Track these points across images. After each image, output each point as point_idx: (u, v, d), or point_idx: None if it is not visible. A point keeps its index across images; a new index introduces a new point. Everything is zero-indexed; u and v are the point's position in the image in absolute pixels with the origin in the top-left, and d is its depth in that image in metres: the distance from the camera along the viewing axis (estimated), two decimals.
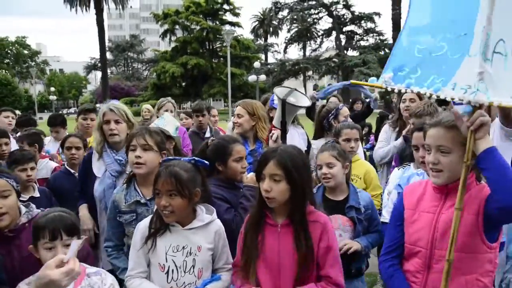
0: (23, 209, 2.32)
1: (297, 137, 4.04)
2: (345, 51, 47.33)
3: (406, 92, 4.23)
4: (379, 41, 45.26)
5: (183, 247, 2.18)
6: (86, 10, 42.24)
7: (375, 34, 47.05)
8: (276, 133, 3.14)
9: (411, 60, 1.98)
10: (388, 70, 2.03)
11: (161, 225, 2.17)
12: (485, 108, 1.84)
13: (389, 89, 2.02)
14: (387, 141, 4.24)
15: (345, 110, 4.18)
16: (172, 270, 2.16)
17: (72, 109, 67.56)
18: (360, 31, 48.43)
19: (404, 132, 3.95)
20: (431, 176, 2.00)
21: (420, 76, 1.93)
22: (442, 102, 4.14)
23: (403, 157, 3.84)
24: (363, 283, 2.88)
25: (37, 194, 3.42)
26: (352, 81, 2.55)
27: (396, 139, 4.15)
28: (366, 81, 2.24)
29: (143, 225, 2.23)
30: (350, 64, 41.01)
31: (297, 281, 2.00)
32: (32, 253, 2.02)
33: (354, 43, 48.45)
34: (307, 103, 3.28)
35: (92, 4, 41.21)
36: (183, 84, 49.00)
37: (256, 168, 2.10)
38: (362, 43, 47.93)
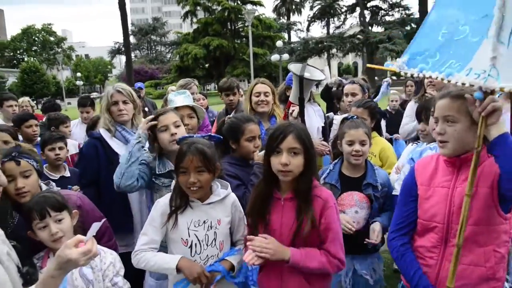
0: (44, 187, 2.43)
1: (313, 114, 4.01)
2: (370, 27, 46.28)
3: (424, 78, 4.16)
4: (405, 15, 44.00)
5: (204, 222, 2.23)
6: None
7: (401, 9, 45.74)
8: (296, 109, 3.12)
9: (433, 45, 1.94)
10: (406, 54, 2.02)
11: (182, 202, 2.21)
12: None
13: (402, 73, 2.00)
14: (412, 117, 4.16)
15: (348, 87, 4.07)
16: (195, 244, 2.21)
17: (96, 93, 68.80)
18: (385, 5, 47.17)
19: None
20: (440, 150, 2.00)
21: (438, 60, 1.90)
22: None
23: None
24: (379, 259, 2.87)
25: (67, 174, 3.53)
26: (368, 65, 2.51)
27: None
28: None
29: (163, 202, 2.27)
30: (374, 41, 40.06)
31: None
32: None
33: (379, 19, 47.27)
34: (322, 76, 3.25)
35: None
36: (206, 65, 49.12)
37: (270, 142, 2.08)
38: (387, 18, 46.73)
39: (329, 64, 50.54)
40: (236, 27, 49.56)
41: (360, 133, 2.73)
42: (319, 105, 4.28)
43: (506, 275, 2.04)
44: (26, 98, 6.19)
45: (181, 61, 47.76)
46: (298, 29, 65.11)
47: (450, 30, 1.91)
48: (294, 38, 61.07)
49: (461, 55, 1.83)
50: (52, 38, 77.04)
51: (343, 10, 51.15)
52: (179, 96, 3.33)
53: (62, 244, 1.55)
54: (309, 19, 52.89)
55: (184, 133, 2.71)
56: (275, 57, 36.05)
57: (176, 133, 2.67)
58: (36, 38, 76.05)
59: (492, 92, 1.74)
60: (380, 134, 3.56)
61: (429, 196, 2.03)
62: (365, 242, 2.63)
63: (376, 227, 2.65)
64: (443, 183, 2.00)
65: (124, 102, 3.23)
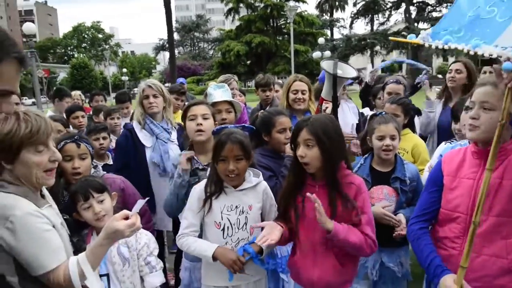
0: (92, 170, 2.66)
1: (347, 110, 4.07)
2: (416, 24, 45.05)
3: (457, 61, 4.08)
4: None
5: (236, 207, 2.37)
6: None
7: (449, 4, 44.23)
8: (329, 106, 3.20)
9: (459, 23, 1.94)
10: (432, 29, 2.02)
11: (217, 188, 2.36)
12: None
13: (426, 45, 1.99)
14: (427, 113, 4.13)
15: (393, 87, 4.04)
16: (228, 227, 2.36)
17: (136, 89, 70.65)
18: (432, 1, 45.77)
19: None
20: (468, 132, 1.98)
21: (463, 36, 1.89)
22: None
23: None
24: (406, 252, 2.89)
25: (110, 162, 3.79)
26: (391, 37, 2.54)
27: (442, 109, 4.05)
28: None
29: (199, 189, 2.43)
30: None
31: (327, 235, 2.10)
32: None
33: (425, 15, 45.92)
34: (354, 73, 3.29)
35: None
36: (248, 62, 49.37)
37: (291, 136, 2.24)
38: (434, 14, 45.29)
39: (372, 62, 49.61)
40: (278, 24, 49.51)
41: (390, 128, 2.78)
42: (353, 102, 4.33)
43: None
44: (78, 92, 6.63)
45: (223, 58, 48.27)
46: (341, 26, 64.15)
47: (477, 12, 1.91)
48: (337, 35, 60.33)
49: (487, 34, 1.82)
50: (100, 35, 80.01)
51: (388, 6, 50.06)
52: (218, 90, 3.46)
53: (105, 222, 1.74)
54: (352, 15, 52.11)
55: (212, 125, 2.81)
56: (316, 54, 35.85)
57: (201, 124, 2.79)
58: (85, 35, 79.20)
59: None
60: (413, 130, 3.57)
61: (454, 187, 2.06)
62: (394, 235, 2.68)
63: (401, 218, 2.70)
64: (469, 174, 2.02)
65: (154, 96, 3.57)
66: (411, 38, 2.10)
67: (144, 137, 3.56)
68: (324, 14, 65.26)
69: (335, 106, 3.10)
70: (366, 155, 2.95)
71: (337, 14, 66.13)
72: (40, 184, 1.73)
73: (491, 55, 1.75)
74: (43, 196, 1.80)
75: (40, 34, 74.54)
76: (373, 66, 6.30)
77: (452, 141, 3.13)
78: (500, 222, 1.90)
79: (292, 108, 3.80)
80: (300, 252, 2.30)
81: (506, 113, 1.77)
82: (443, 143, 3.22)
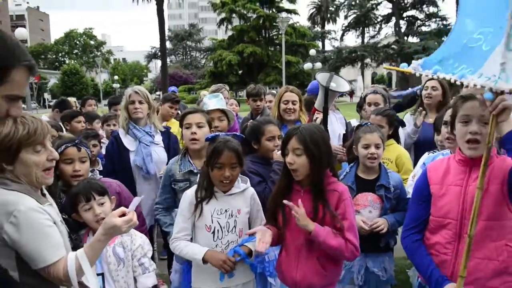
0: (89, 174, 2.76)
1: (335, 121, 4.21)
2: (405, 38, 45.76)
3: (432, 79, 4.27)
4: (442, 26, 43.30)
5: (226, 210, 2.48)
6: (147, 1, 43.68)
7: (437, 19, 45.05)
8: (320, 116, 3.34)
9: (450, 52, 2.08)
10: (423, 60, 2.17)
11: (207, 193, 2.47)
12: None
13: (417, 74, 2.14)
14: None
15: (371, 97, 4.21)
16: (218, 230, 2.46)
17: None
18: (421, 16, 46.58)
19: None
20: (467, 149, 2.06)
21: (452, 64, 2.03)
22: None
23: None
24: (391, 258, 3.01)
25: (100, 167, 3.89)
26: (384, 66, 2.68)
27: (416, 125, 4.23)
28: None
29: (190, 193, 2.53)
30: (409, 51, 39.61)
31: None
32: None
33: (415, 29, 46.71)
34: (347, 87, 3.44)
35: None
36: (240, 72, 49.56)
37: (281, 144, 2.37)
38: (424, 28, 46.12)
39: (362, 74, 50.21)
40: (271, 35, 49.87)
41: (375, 137, 2.91)
42: (340, 112, 4.48)
43: None
44: (73, 99, 6.76)
45: (215, 67, 48.39)
46: (333, 38, 65.01)
47: (467, 39, 2.04)
48: (328, 47, 61.00)
49: (473, 61, 1.95)
50: (92, 42, 79.79)
51: (378, 19, 50.82)
52: (213, 99, 3.62)
53: None
54: (343, 28, 52.80)
55: (207, 133, 2.93)
56: (307, 65, 36.24)
57: (195, 133, 2.94)
58: (77, 42, 78.95)
59: (502, 93, 1.85)
60: (398, 141, 3.71)
61: (442, 194, 2.15)
62: (368, 227, 2.80)
63: (379, 219, 2.83)
64: (456, 181, 2.12)
65: (140, 102, 3.71)
66: (404, 67, 2.26)
67: (128, 142, 3.70)
68: (316, 26, 66.01)
69: (325, 116, 3.23)
70: (352, 164, 3.07)
71: (329, 26, 67.02)
72: (39, 183, 1.82)
73: (476, 85, 1.89)
74: (43, 195, 1.90)
75: (31, 40, 74.16)
76: (363, 78, 6.45)
77: (435, 151, 3.28)
78: (489, 225, 2.00)
79: (283, 118, 3.94)
80: (285, 253, 2.42)
81: (492, 137, 1.90)
82: (427, 153, 3.36)
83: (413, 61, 2.22)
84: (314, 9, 66.93)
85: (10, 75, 1.47)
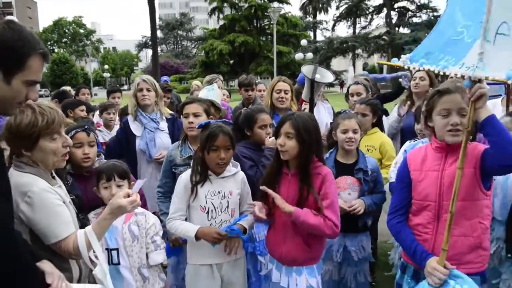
0: (96, 158, 2.94)
1: (323, 110, 4.43)
2: (396, 29, 46.03)
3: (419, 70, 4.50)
4: (432, 17, 43.55)
5: (219, 192, 2.67)
6: None
7: (428, 10, 45.37)
8: (307, 106, 3.54)
9: (436, 45, 2.28)
10: (412, 53, 2.39)
11: (202, 176, 2.66)
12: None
13: (405, 67, 2.36)
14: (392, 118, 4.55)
15: (353, 88, 4.46)
16: (212, 210, 2.66)
17: (125, 86, 70.47)
18: (412, 7, 46.86)
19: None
20: (450, 137, 2.24)
21: (436, 56, 2.24)
22: None
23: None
24: (368, 237, 3.23)
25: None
26: (378, 61, 2.87)
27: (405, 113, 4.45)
28: None
29: (185, 177, 2.72)
30: (400, 42, 39.92)
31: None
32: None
33: (406, 20, 46.97)
34: (331, 78, 3.63)
35: None
36: (231, 61, 49.54)
37: (276, 128, 2.56)
38: (415, 19, 46.42)
39: (354, 65, 50.36)
40: (262, 25, 49.81)
41: (352, 122, 3.12)
42: (329, 102, 4.68)
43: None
44: (68, 88, 6.96)
45: (206, 57, 48.32)
46: (324, 28, 65.12)
47: (452, 32, 2.25)
48: (320, 37, 61.16)
49: (456, 53, 2.17)
50: (82, 31, 78.93)
51: (370, 10, 51.00)
52: (204, 90, 3.88)
53: None
54: (335, 18, 52.91)
55: (204, 121, 3.10)
56: (299, 55, 36.28)
57: (192, 122, 3.13)
58: (66, 30, 78.06)
59: (480, 81, 2.05)
60: (382, 129, 3.92)
61: (421, 179, 2.35)
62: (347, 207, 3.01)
63: (357, 201, 3.04)
64: (434, 167, 2.32)
65: (148, 90, 3.92)
66: (395, 62, 2.46)
67: (135, 127, 3.90)
68: (307, 16, 65.97)
69: (311, 106, 3.43)
70: (331, 150, 3.27)
71: (320, 16, 67.23)
72: (54, 166, 1.99)
73: (456, 74, 2.11)
74: (53, 177, 2.06)
75: None
76: (354, 69, 6.67)
77: (415, 140, 3.48)
78: (464, 205, 2.19)
79: (275, 106, 4.15)
80: (273, 230, 2.64)
81: (471, 121, 2.10)
82: (408, 141, 3.57)
83: (402, 56, 2.42)
84: None
85: (27, 62, 1.62)
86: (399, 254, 2.94)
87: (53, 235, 1.87)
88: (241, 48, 46.27)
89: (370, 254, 3.21)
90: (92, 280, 2.02)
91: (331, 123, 4.46)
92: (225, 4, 49.53)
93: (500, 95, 4.58)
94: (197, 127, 2.91)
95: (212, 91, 3.84)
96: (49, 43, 76.03)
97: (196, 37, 74.18)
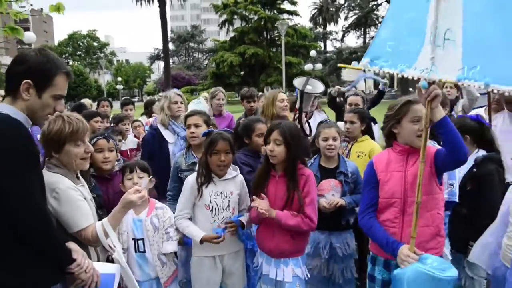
0: (115, 163, 3.38)
1: (319, 119, 4.79)
2: None
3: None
4: None
5: (221, 192, 3.06)
6: (150, 3, 44.35)
7: None
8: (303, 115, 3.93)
9: (384, 53, 2.58)
10: (366, 57, 2.64)
11: (206, 178, 3.05)
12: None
13: (366, 70, 2.66)
14: None
15: (352, 98, 4.87)
16: (215, 208, 3.05)
17: (136, 97, 71.55)
18: None
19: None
20: (419, 141, 2.53)
21: (391, 64, 2.54)
22: None
23: None
24: (351, 235, 3.55)
25: None
26: (340, 64, 3.19)
27: None
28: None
29: (191, 179, 3.11)
30: None
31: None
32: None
33: None
34: (321, 88, 4.01)
35: None
36: (241, 73, 50.00)
37: (265, 135, 2.96)
38: None
39: (364, 70, 50.56)
40: (272, 36, 50.28)
41: (332, 131, 3.46)
42: (325, 112, 5.05)
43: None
44: (89, 101, 7.63)
45: (217, 68, 48.78)
46: (334, 39, 65.54)
47: (395, 42, 2.55)
48: (330, 48, 61.54)
49: (407, 59, 2.47)
50: (95, 44, 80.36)
51: (379, 20, 51.30)
52: (192, 104, 4.46)
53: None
54: (344, 29, 53.32)
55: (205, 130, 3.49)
56: (308, 66, 36.75)
57: (193, 132, 3.53)
58: (80, 43, 79.55)
59: (433, 83, 2.36)
60: (372, 137, 4.25)
61: (387, 180, 2.67)
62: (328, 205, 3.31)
63: (336, 197, 3.37)
64: (398, 168, 2.65)
65: (181, 103, 4.46)
66: (355, 65, 2.72)
67: (167, 134, 4.33)
68: (317, 27, 66.48)
69: (300, 115, 3.80)
70: (315, 156, 3.61)
71: (330, 27, 67.52)
72: (77, 168, 2.39)
73: (413, 77, 2.43)
74: (78, 178, 2.46)
75: (35, 42, 74.73)
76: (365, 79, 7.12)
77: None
78: (425, 199, 2.51)
79: (279, 115, 4.53)
80: (263, 226, 3.01)
81: (427, 119, 2.41)
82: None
83: (362, 59, 2.67)
84: (316, 10, 67.48)
85: (54, 80, 2.04)
86: None
87: (75, 225, 2.25)
88: (251, 60, 46.68)
89: (355, 251, 3.53)
90: None
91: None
92: (235, 17, 50.15)
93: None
94: (201, 135, 3.30)
95: (199, 104, 4.32)
96: (64, 56, 77.61)
97: (207, 49, 75.10)
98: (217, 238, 2.93)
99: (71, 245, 2.10)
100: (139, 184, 2.80)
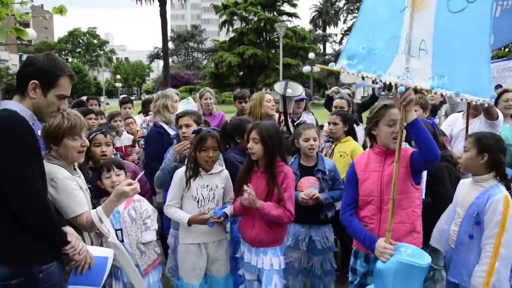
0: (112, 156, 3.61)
1: (307, 121, 5.01)
2: None
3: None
4: None
5: (207, 185, 3.33)
6: (150, 2, 44.53)
7: None
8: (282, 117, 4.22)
9: (358, 54, 2.74)
10: (343, 58, 2.79)
11: (194, 172, 3.30)
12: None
13: (345, 73, 2.77)
14: None
15: (337, 101, 5.08)
16: (201, 200, 3.31)
17: (134, 95, 71.68)
18: None
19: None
20: (394, 143, 2.76)
21: (366, 66, 2.71)
22: None
23: None
24: (330, 229, 3.75)
25: None
26: (317, 65, 3.41)
27: None
28: None
29: (180, 172, 3.36)
30: None
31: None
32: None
33: None
34: (301, 90, 4.27)
35: None
36: (240, 73, 50.21)
37: (247, 134, 3.23)
38: None
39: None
40: (271, 38, 50.53)
41: (312, 132, 3.67)
42: (313, 114, 5.29)
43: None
44: (84, 98, 7.71)
45: (215, 68, 48.92)
46: (334, 41, 65.86)
47: (368, 45, 2.70)
48: (329, 50, 61.83)
49: (380, 64, 2.64)
50: (95, 41, 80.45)
51: None
52: (181, 104, 4.67)
53: None
54: (343, 32, 53.60)
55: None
56: (306, 68, 36.96)
57: (185, 132, 3.77)
58: (80, 41, 79.68)
59: (408, 89, 2.54)
60: (355, 138, 4.47)
61: (366, 179, 2.88)
62: (306, 197, 3.51)
63: (317, 193, 3.56)
64: (375, 168, 2.86)
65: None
66: (333, 66, 2.87)
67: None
68: (317, 29, 66.77)
69: (286, 117, 4.04)
70: (295, 155, 3.81)
71: (330, 30, 67.91)
72: (74, 160, 2.62)
73: (390, 82, 2.61)
74: (75, 169, 2.69)
75: (35, 38, 74.69)
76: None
77: None
78: (400, 198, 2.72)
79: (267, 114, 4.78)
80: (245, 217, 3.28)
81: (402, 122, 2.61)
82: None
83: (340, 61, 2.80)
84: (316, 13, 67.84)
85: (58, 81, 2.29)
86: None
87: (71, 211, 2.48)
88: (250, 60, 46.89)
89: (333, 244, 3.76)
90: None
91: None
92: (235, 17, 50.36)
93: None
94: (191, 132, 3.54)
95: (188, 103, 4.56)
96: (63, 53, 77.67)
97: (207, 48, 75.20)
98: (205, 217, 3.19)
99: (67, 228, 2.33)
100: (117, 182, 3.07)
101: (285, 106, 4.09)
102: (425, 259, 2.56)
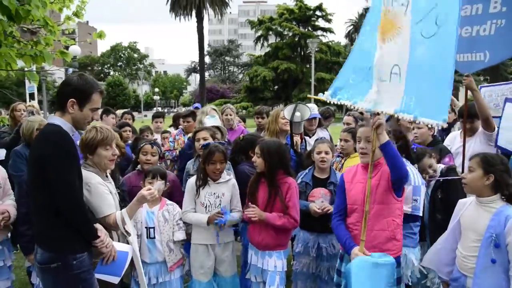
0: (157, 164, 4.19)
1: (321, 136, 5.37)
2: None
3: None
4: None
5: (214, 193, 3.75)
6: (188, 19, 45.83)
7: None
8: (295, 138, 4.62)
9: (347, 85, 3.11)
10: (330, 89, 3.19)
11: (203, 181, 3.74)
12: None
13: (328, 101, 3.19)
14: None
15: (345, 118, 5.50)
16: (209, 206, 3.73)
17: (171, 108, 73.45)
18: None
19: None
20: (360, 158, 3.16)
21: (349, 96, 3.07)
22: None
23: None
24: None
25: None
26: (308, 95, 3.78)
27: None
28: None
29: (192, 181, 3.81)
30: None
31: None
32: None
33: None
34: (309, 113, 4.62)
35: (193, 13, 44.88)
36: (275, 87, 50.58)
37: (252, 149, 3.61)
38: None
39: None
40: (306, 52, 50.74)
41: (325, 146, 3.99)
42: (327, 130, 5.66)
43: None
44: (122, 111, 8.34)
45: (250, 82, 49.39)
46: None
47: (356, 75, 3.05)
48: None
49: (360, 92, 2.96)
50: (135, 55, 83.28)
51: None
52: (206, 119, 5.07)
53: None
54: None
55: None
56: None
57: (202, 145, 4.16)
58: (122, 55, 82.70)
59: (378, 114, 2.84)
60: None
61: (351, 189, 3.19)
62: (319, 210, 3.80)
63: (326, 203, 3.84)
64: (360, 180, 3.16)
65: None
66: (321, 96, 3.26)
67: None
68: (353, 44, 66.46)
69: (292, 140, 4.57)
70: (310, 167, 4.13)
71: None
72: (106, 167, 3.08)
73: (363, 108, 2.96)
74: (106, 176, 3.15)
75: (79, 53, 77.98)
76: None
77: None
78: (381, 207, 3.02)
79: (282, 129, 5.07)
80: (252, 225, 3.64)
81: (375, 143, 2.93)
82: None
83: (326, 91, 3.21)
84: (352, 27, 67.75)
85: (91, 97, 2.75)
86: None
87: (101, 212, 2.94)
88: (284, 75, 47.17)
89: (340, 250, 4.03)
90: None
91: None
92: (270, 32, 50.94)
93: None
94: (200, 147, 4.00)
95: (213, 118, 5.00)
96: (106, 66, 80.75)
97: (242, 63, 76.08)
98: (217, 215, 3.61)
99: (97, 225, 2.78)
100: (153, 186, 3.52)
101: (291, 129, 4.49)
102: (385, 258, 2.85)
